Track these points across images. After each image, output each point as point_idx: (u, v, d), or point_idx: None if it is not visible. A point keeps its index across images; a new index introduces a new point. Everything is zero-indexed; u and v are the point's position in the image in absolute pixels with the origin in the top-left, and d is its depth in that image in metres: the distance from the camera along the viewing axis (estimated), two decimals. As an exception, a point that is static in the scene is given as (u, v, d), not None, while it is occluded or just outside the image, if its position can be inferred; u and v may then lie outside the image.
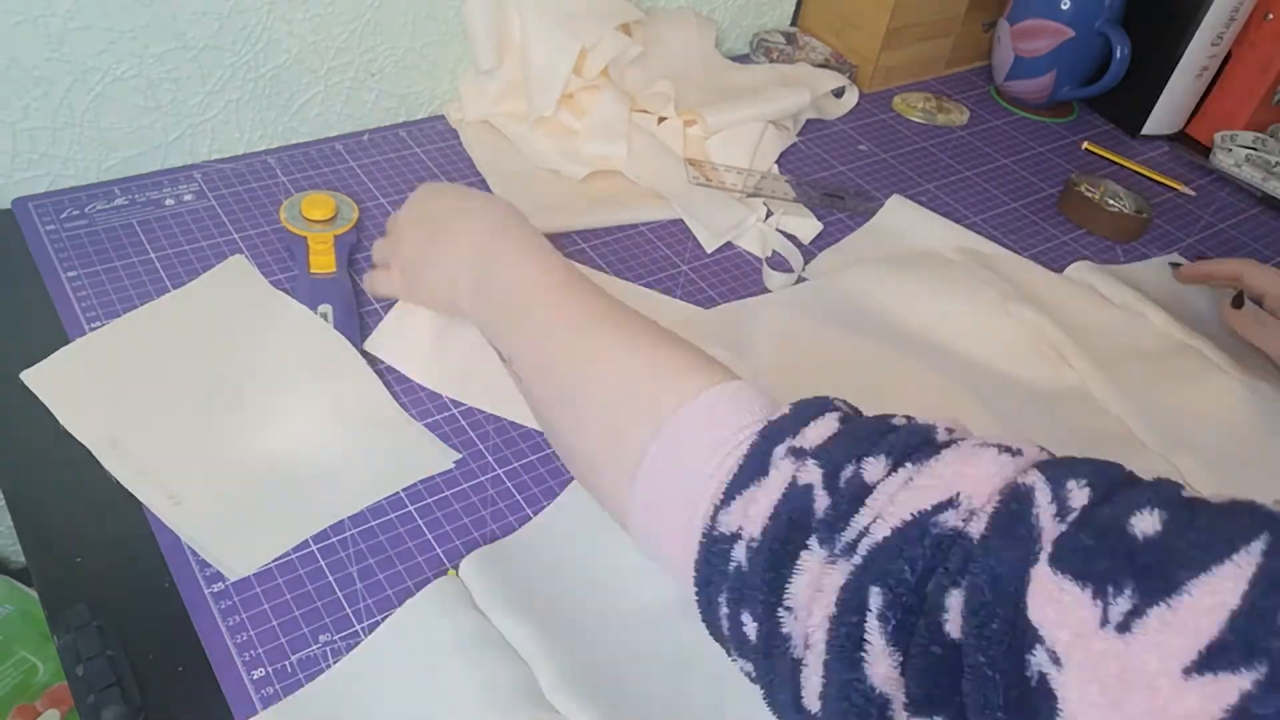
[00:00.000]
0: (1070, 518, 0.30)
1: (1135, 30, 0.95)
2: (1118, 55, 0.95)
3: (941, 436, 0.36)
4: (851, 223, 0.84)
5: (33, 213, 0.70)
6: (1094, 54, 0.98)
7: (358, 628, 0.50)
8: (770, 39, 1.03)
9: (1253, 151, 0.98)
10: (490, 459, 0.59)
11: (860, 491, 0.34)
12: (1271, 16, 0.96)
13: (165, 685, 0.46)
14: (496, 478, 0.58)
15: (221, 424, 0.57)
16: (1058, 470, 0.32)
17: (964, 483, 0.33)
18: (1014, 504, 0.31)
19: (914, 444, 0.36)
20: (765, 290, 0.75)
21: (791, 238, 0.81)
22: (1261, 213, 0.95)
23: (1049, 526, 0.30)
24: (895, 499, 0.33)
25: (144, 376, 0.59)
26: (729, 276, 0.76)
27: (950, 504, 0.32)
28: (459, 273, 0.53)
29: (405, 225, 0.58)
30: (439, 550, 0.54)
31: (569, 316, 0.47)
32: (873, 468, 0.35)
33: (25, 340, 0.60)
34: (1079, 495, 0.31)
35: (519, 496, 0.58)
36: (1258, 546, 0.26)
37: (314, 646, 0.49)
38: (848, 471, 0.35)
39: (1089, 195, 0.87)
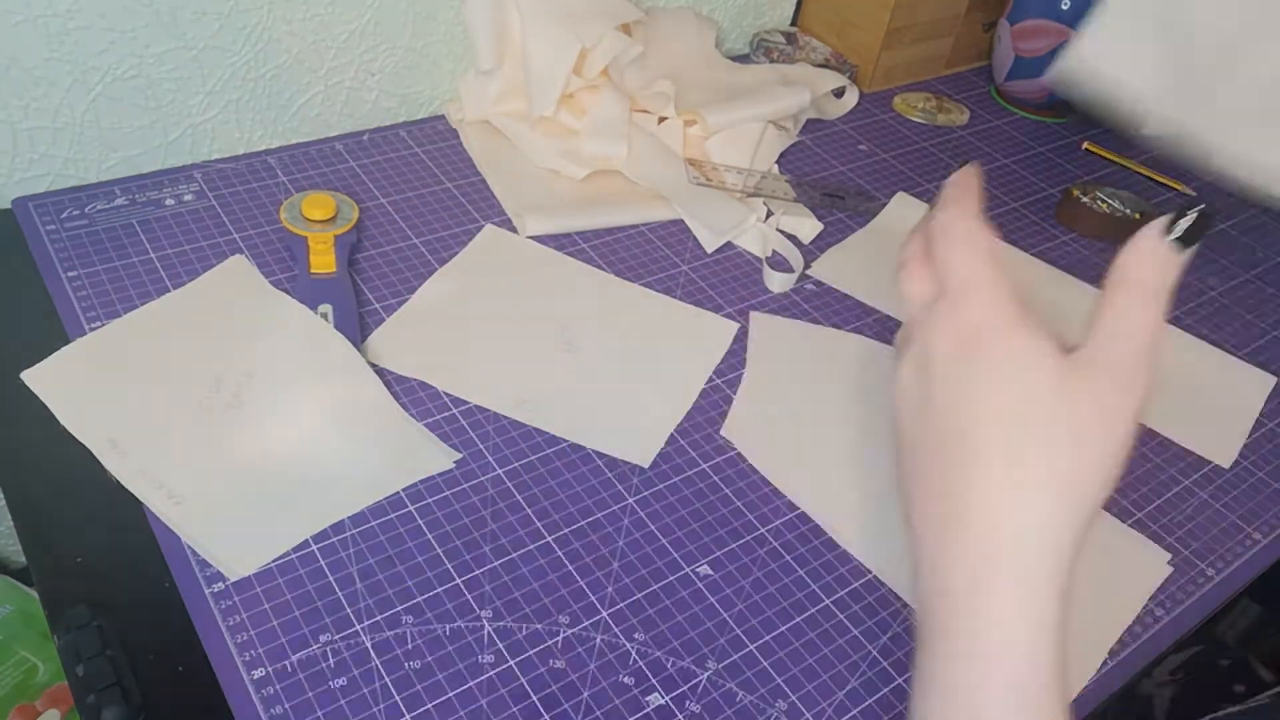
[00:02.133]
0: None
1: (1135, 30, 0.95)
2: (1118, 55, 0.94)
3: None
4: (852, 222, 0.84)
5: (33, 213, 0.70)
6: (1094, 54, 0.98)
7: (358, 628, 0.50)
8: (770, 39, 1.03)
9: (1253, 151, 0.97)
10: (490, 459, 0.59)
11: None
12: (1272, 16, 0.96)
13: (165, 685, 0.46)
14: (497, 478, 0.58)
15: (221, 424, 0.57)
16: None
17: None
18: None
19: None
20: (766, 291, 0.75)
21: (792, 238, 0.81)
22: (1262, 213, 0.95)
23: None
24: None
25: (144, 376, 0.59)
26: (729, 276, 0.76)
27: None
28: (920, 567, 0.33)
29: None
30: (439, 550, 0.54)
31: None
32: None
33: (25, 340, 0.61)
34: None
35: (519, 496, 0.58)
36: None
37: (314, 646, 0.49)
38: None
39: (1087, 203, 0.87)
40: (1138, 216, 0.86)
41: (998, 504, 0.29)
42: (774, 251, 0.78)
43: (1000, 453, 0.30)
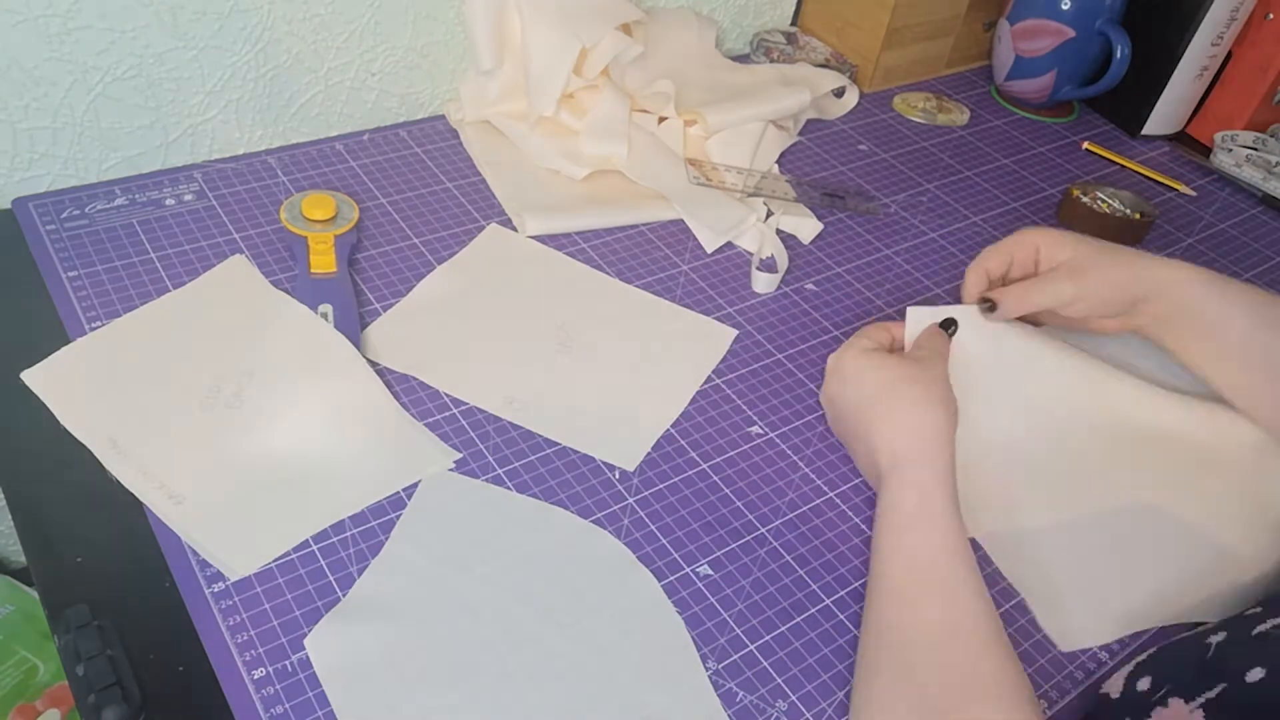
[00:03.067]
0: None
1: (1135, 30, 0.95)
2: (1118, 55, 0.95)
3: None
4: (852, 222, 0.84)
5: (33, 213, 0.70)
6: (1094, 54, 0.98)
7: (358, 628, 0.50)
8: (770, 39, 1.03)
9: (1253, 152, 0.98)
10: (490, 459, 0.59)
11: None
12: (1272, 16, 0.96)
13: (165, 685, 0.46)
14: (497, 478, 0.58)
15: (222, 424, 0.57)
16: None
17: None
18: None
19: None
20: (754, 293, 0.75)
21: (792, 238, 0.81)
22: (1262, 213, 0.95)
23: None
24: None
25: (144, 376, 0.59)
26: (729, 276, 0.76)
27: None
28: (871, 476, 0.59)
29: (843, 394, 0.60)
30: (439, 550, 0.54)
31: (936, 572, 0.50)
32: None
33: (25, 340, 0.61)
34: None
35: (518, 496, 0.57)
36: None
37: (314, 646, 0.49)
38: None
39: (1087, 202, 0.87)
40: (1138, 216, 0.86)
41: (895, 419, 0.56)
42: (771, 254, 0.78)
43: (885, 402, 0.57)
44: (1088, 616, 0.56)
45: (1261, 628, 0.43)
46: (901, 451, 0.54)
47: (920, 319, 0.63)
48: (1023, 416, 0.65)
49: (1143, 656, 0.48)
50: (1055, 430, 0.64)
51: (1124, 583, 0.58)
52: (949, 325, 0.63)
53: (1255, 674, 0.41)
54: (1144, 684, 0.47)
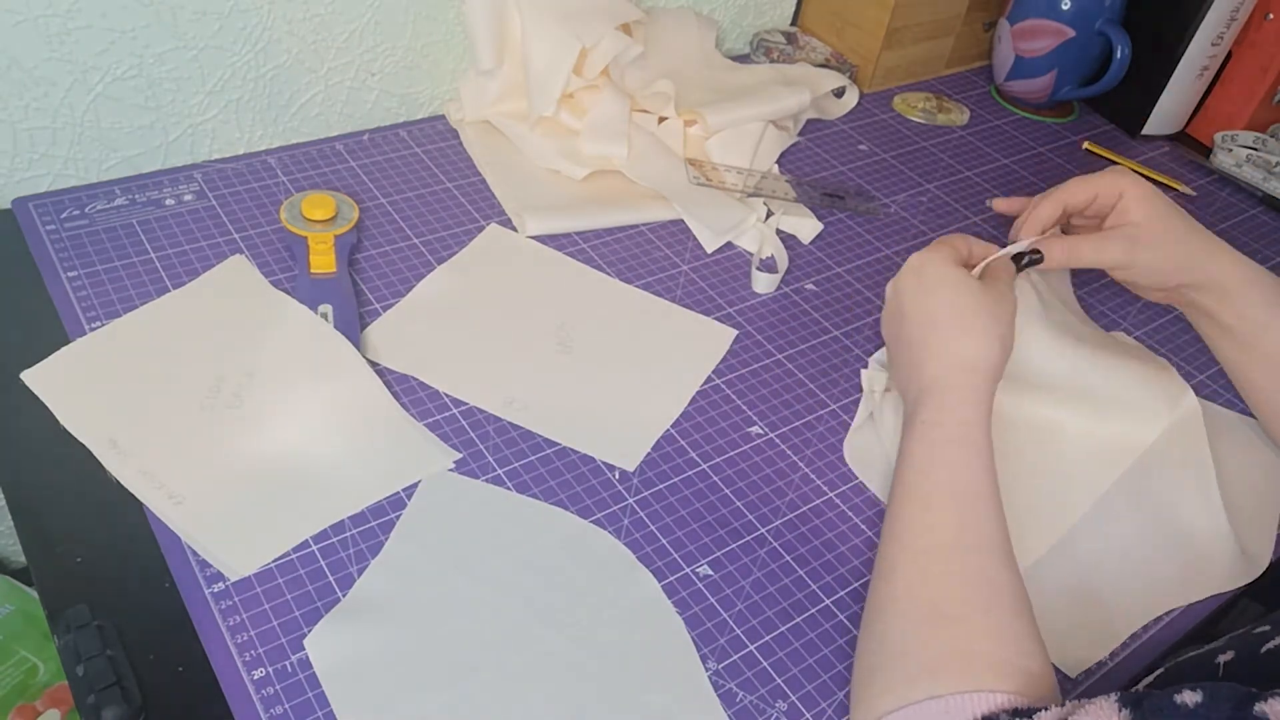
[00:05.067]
0: None
1: (1135, 30, 0.95)
2: (1118, 55, 0.94)
3: None
4: (852, 222, 0.84)
5: (33, 213, 0.70)
6: (1094, 54, 0.98)
7: (358, 628, 0.50)
8: (770, 39, 1.03)
9: (1253, 151, 0.97)
10: (490, 459, 0.59)
11: None
12: (1272, 16, 0.96)
13: (165, 685, 0.46)
14: (497, 478, 0.58)
15: (221, 424, 0.57)
16: None
17: None
18: None
19: None
20: (754, 293, 0.75)
21: (792, 238, 0.81)
22: (1262, 213, 0.95)
23: None
24: None
25: (144, 376, 0.59)
26: (729, 276, 0.76)
27: None
28: (909, 384, 0.58)
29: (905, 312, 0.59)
30: (439, 550, 0.54)
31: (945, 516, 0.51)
32: None
33: (25, 340, 0.61)
34: None
35: (518, 496, 0.57)
36: None
37: (314, 646, 0.49)
38: None
39: None
40: None
41: (954, 345, 0.55)
42: (771, 254, 0.78)
43: (952, 324, 0.56)
44: (1083, 639, 0.56)
45: (1271, 645, 0.43)
46: (954, 375, 0.54)
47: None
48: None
49: (1150, 678, 0.48)
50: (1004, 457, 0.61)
51: (1106, 594, 0.58)
52: (1022, 258, 0.62)
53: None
54: None
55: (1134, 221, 0.61)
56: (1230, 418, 0.70)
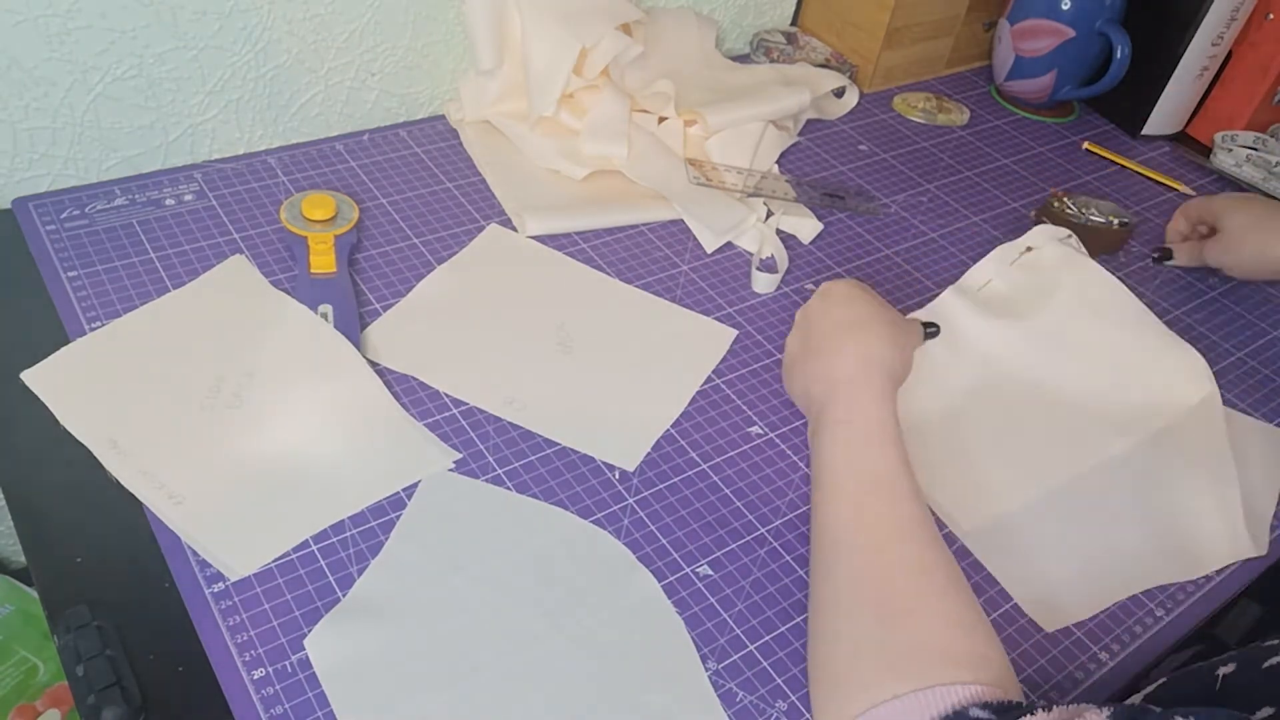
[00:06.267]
0: None
1: (1135, 30, 0.95)
2: (1118, 55, 0.94)
3: None
4: (852, 222, 0.84)
5: (33, 213, 0.70)
6: (1094, 54, 0.98)
7: (358, 628, 0.50)
8: (770, 39, 1.03)
9: (1253, 152, 0.97)
10: (490, 459, 0.59)
11: None
12: (1272, 16, 0.96)
13: (165, 685, 0.46)
14: (497, 478, 0.58)
15: (221, 424, 0.57)
16: None
17: None
18: None
19: None
20: (754, 293, 0.75)
21: (792, 238, 0.81)
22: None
23: None
24: None
25: (144, 376, 0.59)
26: (729, 276, 0.76)
27: None
28: (814, 388, 0.60)
29: (812, 323, 0.63)
30: (439, 550, 0.54)
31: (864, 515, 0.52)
32: None
33: (25, 340, 0.61)
34: None
35: (518, 496, 0.57)
36: None
37: (314, 646, 0.49)
38: None
39: (1070, 210, 0.86)
40: (1116, 225, 0.85)
41: (863, 346, 0.58)
42: (771, 255, 0.78)
43: (860, 327, 0.59)
44: (1068, 595, 0.57)
45: (1273, 661, 0.42)
46: (863, 374, 0.57)
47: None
48: (982, 391, 0.69)
49: (1151, 688, 0.48)
50: (1012, 406, 0.68)
51: (1096, 555, 0.60)
52: (930, 328, 0.67)
53: (1264, 712, 0.39)
54: None
55: (1237, 225, 0.79)
56: (1243, 421, 0.71)
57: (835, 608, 0.48)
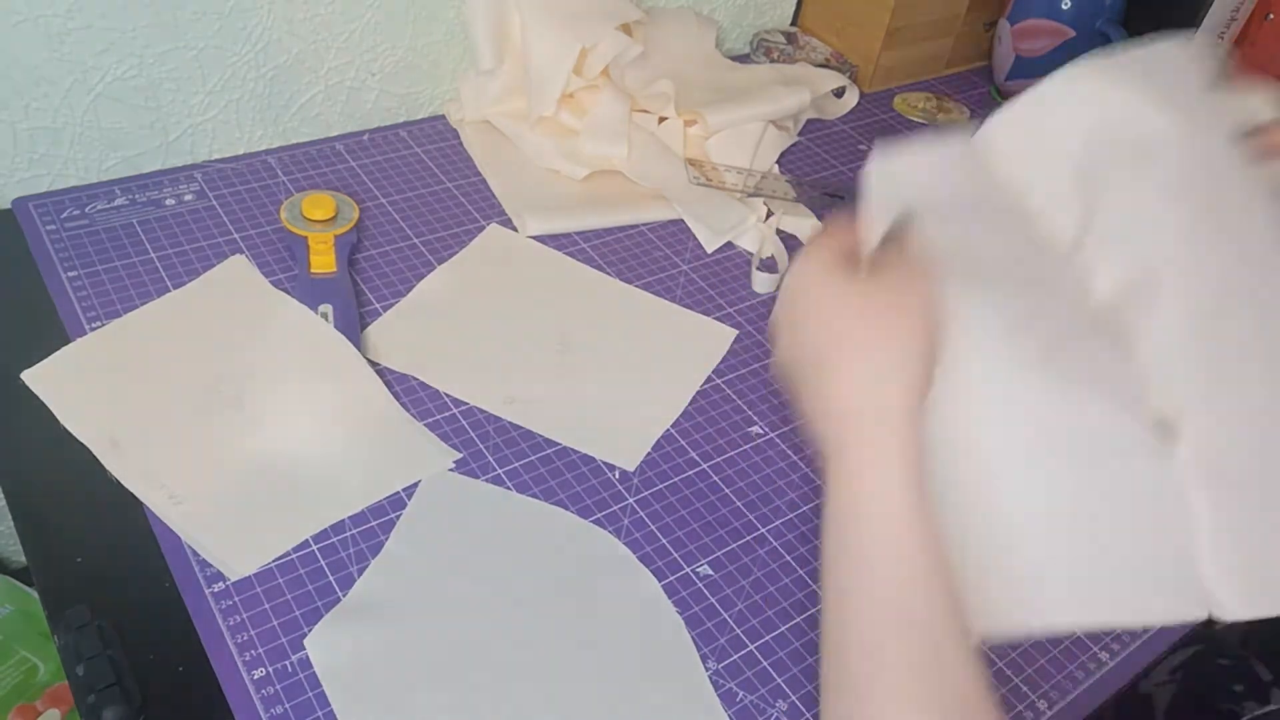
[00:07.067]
0: None
1: (1135, 30, 0.94)
2: (1118, 55, 0.94)
3: None
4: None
5: (33, 213, 0.70)
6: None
7: (358, 628, 0.50)
8: (770, 39, 1.03)
9: (1253, 151, 0.97)
10: (490, 459, 0.59)
11: None
12: (1272, 16, 0.96)
13: (165, 685, 0.46)
14: (497, 478, 0.58)
15: (221, 424, 0.57)
16: None
17: None
18: None
19: None
20: (754, 293, 0.75)
21: (792, 238, 0.81)
22: (1262, 213, 0.95)
23: None
24: None
25: (144, 376, 0.59)
26: (729, 276, 0.76)
27: None
28: (816, 427, 0.46)
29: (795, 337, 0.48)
30: (439, 550, 0.54)
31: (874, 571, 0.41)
32: None
33: (25, 340, 0.60)
34: None
35: (518, 496, 0.57)
36: None
37: (314, 646, 0.49)
38: None
39: None
40: None
41: (848, 373, 0.43)
42: (771, 255, 0.78)
43: (837, 350, 0.44)
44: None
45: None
46: (850, 422, 0.43)
47: (882, 197, 0.50)
48: None
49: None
50: None
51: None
52: (905, 222, 0.48)
53: None
54: None
55: None
56: None
57: (848, 693, 0.41)
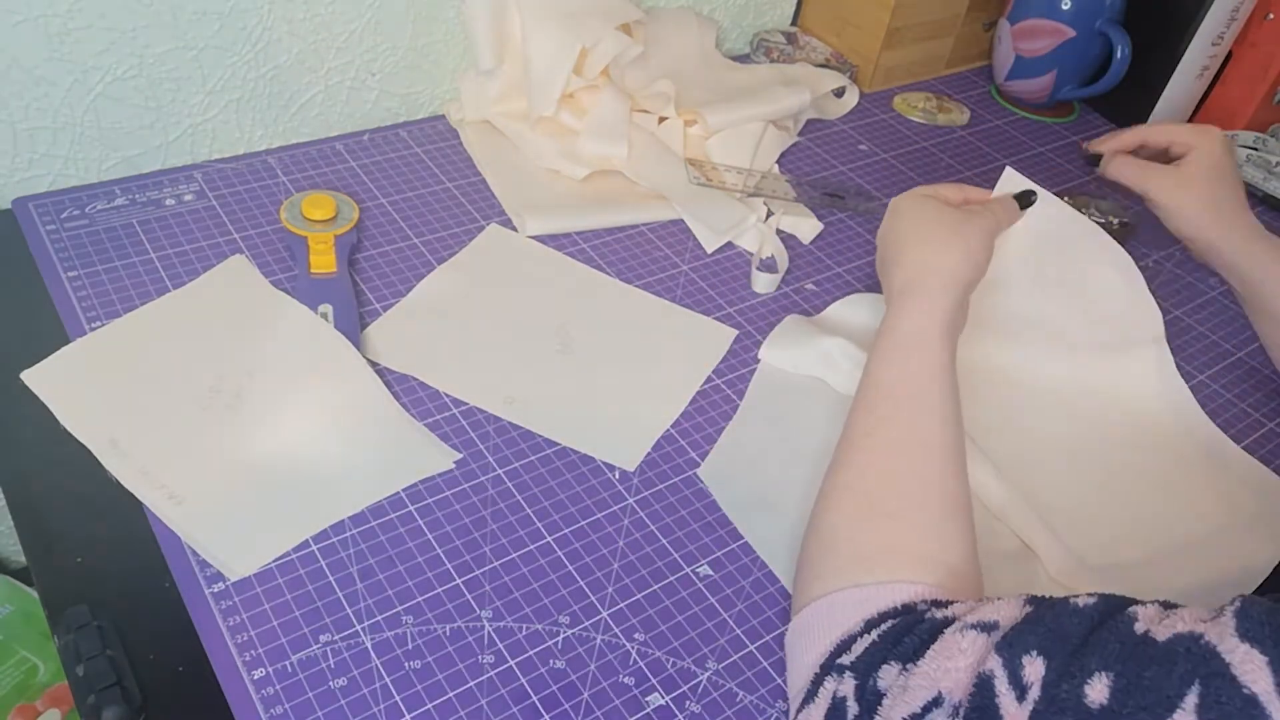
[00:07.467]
0: (1031, 697, 0.35)
1: (1135, 30, 0.95)
2: (1118, 55, 0.94)
3: (941, 620, 0.41)
4: (852, 222, 0.84)
5: (33, 213, 0.70)
6: (1094, 54, 0.98)
7: (358, 628, 0.50)
8: (770, 39, 1.03)
9: (1253, 151, 0.97)
10: (490, 459, 0.59)
11: (874, 699, 0.40)
12: (1272, 16, 0.96)
13: (165, 685, 0.46)
14: (497, 478, 0.58)
15: (221, 424, 0.57)
16: (1012, 648, 0.37)
17: (945, 678, 0.38)
18: (980, 696, 0.36)
19: (919, 640, 0.40)
20: (754, 293, 0.75)
21: (792, 238, 0.81)
22: (1262, 213, 0.95)
23: (1012, 712, 0.35)
24: (895, 705, 0.38)
25: (144, 376, 0.59)
26: (729, 276, 0.76)
27: (935, 703, 0.37)
28: (892, 278, 0.60)
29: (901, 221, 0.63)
30: (439, 550, 0.54)
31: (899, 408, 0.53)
32: (886, 673, 0.40)
33: (25, 340, 0.61)
34: (1034, 670, 0.35)
35: (519, 496, 0.58)
36: (1191, 701, 0.32)
37: (314, 647, 0.49)
38: (870, 681, 0.41)
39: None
40: (1115, 224, 0.85)
41: (914, 254, 0.59)
42: (771, 255, 0.78)
43: (912, 238, 0.60)
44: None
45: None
46: (912, 281, 0.58)
47: (1010, 184, 0.66)
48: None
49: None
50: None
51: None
52: (1028, 197, 0.65)
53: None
54: None
55: (1190, 168, 0.66)
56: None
57: (832, 500, 0.51)
